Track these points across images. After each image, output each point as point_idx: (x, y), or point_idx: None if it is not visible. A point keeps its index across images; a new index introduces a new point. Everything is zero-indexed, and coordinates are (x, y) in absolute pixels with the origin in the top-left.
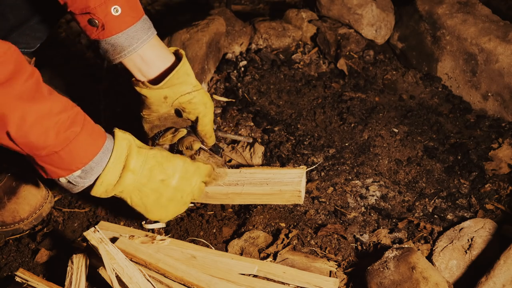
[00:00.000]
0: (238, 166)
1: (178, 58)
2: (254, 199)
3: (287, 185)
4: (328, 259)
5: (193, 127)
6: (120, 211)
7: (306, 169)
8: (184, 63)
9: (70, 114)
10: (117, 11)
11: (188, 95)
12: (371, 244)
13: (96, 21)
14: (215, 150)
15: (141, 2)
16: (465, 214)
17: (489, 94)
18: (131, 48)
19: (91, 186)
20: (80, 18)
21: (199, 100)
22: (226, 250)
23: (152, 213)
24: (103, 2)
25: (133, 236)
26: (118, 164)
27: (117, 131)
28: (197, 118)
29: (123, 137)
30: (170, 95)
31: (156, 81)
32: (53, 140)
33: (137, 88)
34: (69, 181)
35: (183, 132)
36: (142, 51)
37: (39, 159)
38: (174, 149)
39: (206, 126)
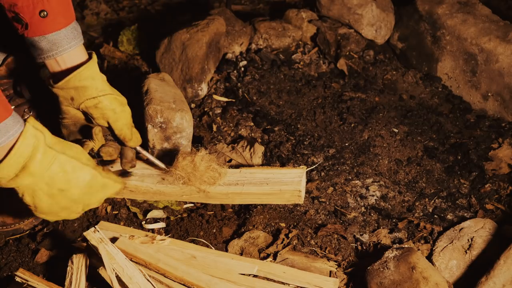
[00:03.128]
0: (238, 166)
1: None
2: (254, 199)
3: (287, 185)
4: (328, 259)
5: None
6: (120, 211)
7: (306, 169)
8: (88, 67)
9: None
10: (44, 15)
11: (93, 99)
12: (371, 244)
13: (22, 19)
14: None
15: (141, 2)
16: (465, 214)
17: (489, 94)
18: (50, 53)
19: None
20: (8, 13)
21: (106, 105)
22: (226, 250)
23: (41, 214)
24: (31, 4)
25: (133, 236)
26: (17, 162)
27: (29, 124)
28: (109, 124)
29: (32, 134)
30: (76, 97)
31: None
32: None
33: (48, 85)
34: None
35: (88, 145)
36: (61, 59)
37: None
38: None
39: (122, 130)
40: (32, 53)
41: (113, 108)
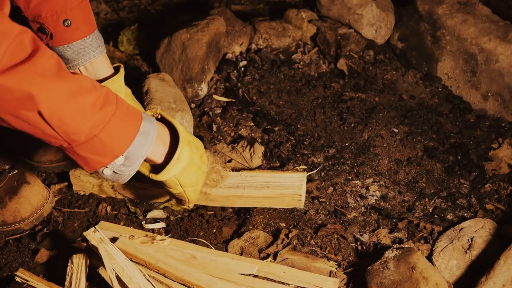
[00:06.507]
0: (239, 169)
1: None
2: (254, 202)
3: (288, 188)
4: (328, 259)
5: None
6: (120, 211)
7: (307, 173)
8: (113, 81)
9: (100, 93)
10: (68, 24)
11: None
12: (371, 244)
13: (46, 30)
14: None
15: (141, 2)
16: (465, 214)
17: (489, 94)
18: (76, 63)
19: (158, 169)
20: (32, 24)
21: None
22: (226, 250)
23: (196, 194)
24: (55, 13)
25: (133, 236)
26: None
27: (159, 111)
28: None
29: (169, 117)
30: None
31: None
32: (89, 119)
33: None
34: (114, 172)
35: None
36: (86, 68)
37: (79, 148)
38: None
39: None
40: None
41: None
